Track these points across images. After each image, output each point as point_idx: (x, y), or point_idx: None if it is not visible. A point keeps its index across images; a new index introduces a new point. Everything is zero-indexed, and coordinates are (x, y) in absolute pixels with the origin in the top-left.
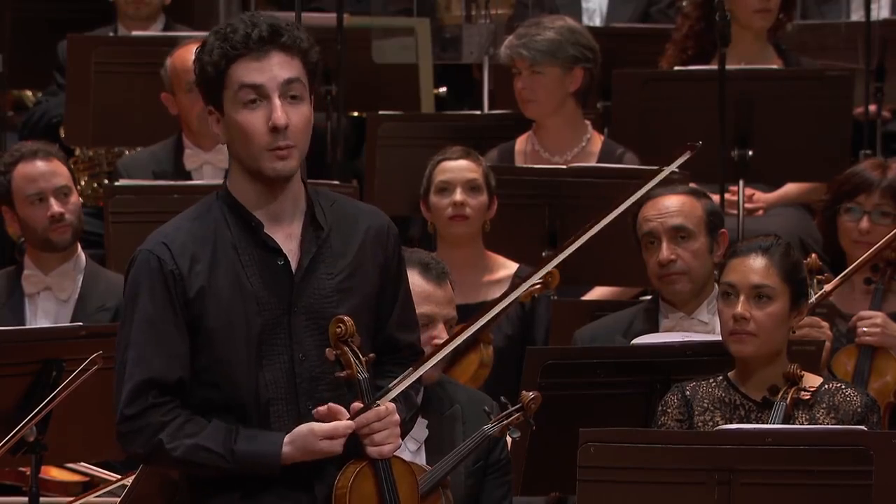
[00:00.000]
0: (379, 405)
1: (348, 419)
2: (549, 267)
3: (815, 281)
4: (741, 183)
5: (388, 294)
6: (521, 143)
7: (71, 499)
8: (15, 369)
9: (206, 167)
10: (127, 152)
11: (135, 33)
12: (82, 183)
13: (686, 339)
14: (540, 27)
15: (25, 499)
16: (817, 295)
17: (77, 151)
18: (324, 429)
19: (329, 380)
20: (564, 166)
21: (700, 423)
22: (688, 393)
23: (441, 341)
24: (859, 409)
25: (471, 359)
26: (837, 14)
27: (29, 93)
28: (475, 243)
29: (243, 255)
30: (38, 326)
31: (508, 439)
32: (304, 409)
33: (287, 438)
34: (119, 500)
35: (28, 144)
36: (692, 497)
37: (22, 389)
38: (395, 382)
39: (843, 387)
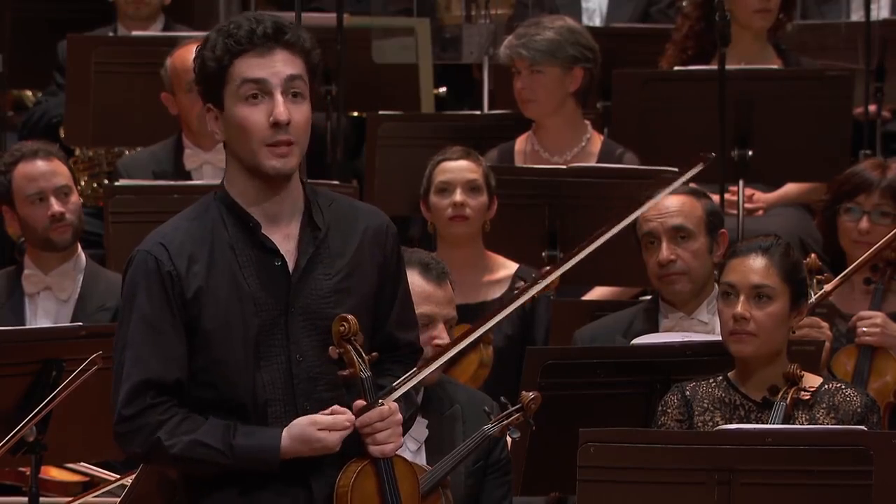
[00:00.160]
0: (383, 404)
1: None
2: (559, 273)
3: (814, 281)
4: (741, 183)
5: (387, 293)
6: (521, 143)
7: (71, 499)
8: (15, 369)
9: (206, 167)
10: (127, 152)
11: (135, 33)
12: (82, 183)
13: (686, 339)
14: (540, 27)
15: (25, 499)
16: (817, 295)
17: (77, 151)
18: (325, 420)
19: (327, 380)
20: (564, 166)
21: (700, 424)
22: (688, 393)
23: (441, 341)
24: (859, 409)
25: (471, 359)
26: (837, 14)
27: (29, 93)
28: (475, 243)
29: (241, 255)
30: (38, 326)
31: (508, 439)
32: (301, 409)
33: (286, 431)
34: (119, 499)
35: (28, 144)
36: (692, 497)
37: (22, 389)
38: (398, 382)
39: (843, 387)
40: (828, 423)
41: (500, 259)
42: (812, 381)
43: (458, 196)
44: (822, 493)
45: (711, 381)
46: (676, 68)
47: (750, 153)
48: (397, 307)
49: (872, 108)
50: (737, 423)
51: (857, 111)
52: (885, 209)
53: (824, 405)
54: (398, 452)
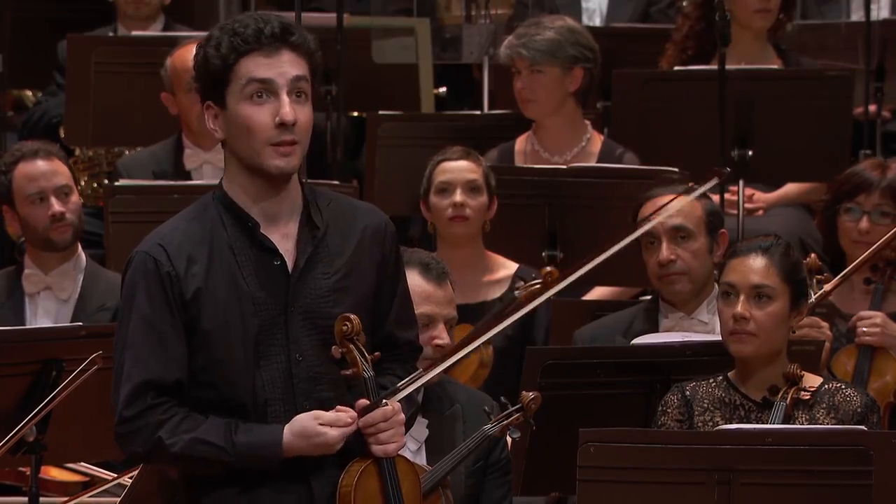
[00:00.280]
0: (386, 404)
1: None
2: (569, 280)
3: (814, 281)
4: (741, 183)
5: (386, 291)
6: (521, 143)
7: (71, 499)
8: (15, 369)
9: (206, 167)
10: (127, 152)
11: (135, 33)
12: (82, 183)
13: (686, 339)
14: (540, 27)
15: (25, 499)
16: (817, 295)
17: (77, 151)
18: (327, 416)
19: (327, 379)
20: (564, 166)
21: (700, 424)
22: (688, 393)
23: (441, 341)
24: (859, 409)
25: (471, 359)
26: (837, 14)
27: (29, 93)
28: (475, 243)
29: (240, 255)
30: (38, 326)
31: (508, 439)
32: (301, 408)
33: (287, 427)
34: (119, 499)
35: (29, 144)
36: (692, 497)
37: (22, 389)
38: (404, 383)
39: (843, 387)
40: (828, 423)
41: (500, 259)
42: (812, 381)
43: (458, 196)
44: (822, 493)
45: (711, 381)
46: (676, 68)
47: (750, 153)
48: (396, 306)
49: (872, 108)
50: (737, 423)
51: (857, 111)
52: (885, 209)
53: (824, 405)
54: (399, 452)
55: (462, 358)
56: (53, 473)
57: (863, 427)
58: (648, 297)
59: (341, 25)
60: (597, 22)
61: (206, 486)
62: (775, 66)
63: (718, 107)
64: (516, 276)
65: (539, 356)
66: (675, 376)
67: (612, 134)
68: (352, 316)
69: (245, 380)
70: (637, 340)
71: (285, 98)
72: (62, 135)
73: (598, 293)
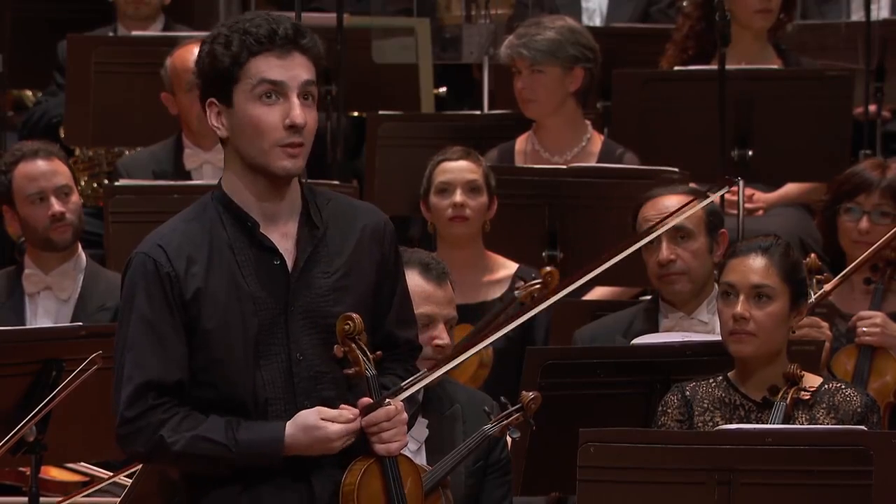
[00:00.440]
0: (389, 403)
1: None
2: (574, 286)
3: (814, 281)
4: (741, 183)
5: (386, 291)
6: (521, 143)
7: (71, 499)
8: (15, 369)
9: (206, 167)
10: (127, 152)
11: (135, 33)
12: (82, 183)
13: (686, 339)
14: (540, 27)
15: (25, 499)
16: (817, 295)
17: (77, 151)
18: (329, 412)
19: (328, 378)
20: (564, 166)
21: (700, 424)
22: (688, 393)
23: (441, 341)
24: (859, 409)
25: (471, 359)
26: (837, 14)
27: (29, 93)
28: (475, 243)
29: (239, 255)
30: (38, 326)
31: (508, 439)
32: (302, 408)
33: (290, 421)
34: (119, 500)
35: (29, 144)
36: (692, 497)
37: (22, 389)
38: (407, 382)
39: (843, 387)
40: (828, 423)
41: (500, 259)
42: (812, 381)
43: (458, 196)
44: (822, 493)
45: (711, 381)
46: (676, 68)
47: (750, 153)
48: (396, 305)
49: (872, 108)
50: (737, 423)
51: (857, 111)
52: (885, 209)
53: (824, 405)
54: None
55: (453, 353)
56: (53, 473)
57: (863, 427)
58: (648, 297)
59: (341, 25)
60: (597, 22)
61: (207, 485)
62: (775, 66)
63: (718, 107)
64: (516, 276)
65: (539, 356)
66: (675, 376)
67: (612, 134)
68: (354, 315)
69: (245, 379)
70: (637, 340)
71: (296, 101)
72: (62, 135)
73: (598, 293)
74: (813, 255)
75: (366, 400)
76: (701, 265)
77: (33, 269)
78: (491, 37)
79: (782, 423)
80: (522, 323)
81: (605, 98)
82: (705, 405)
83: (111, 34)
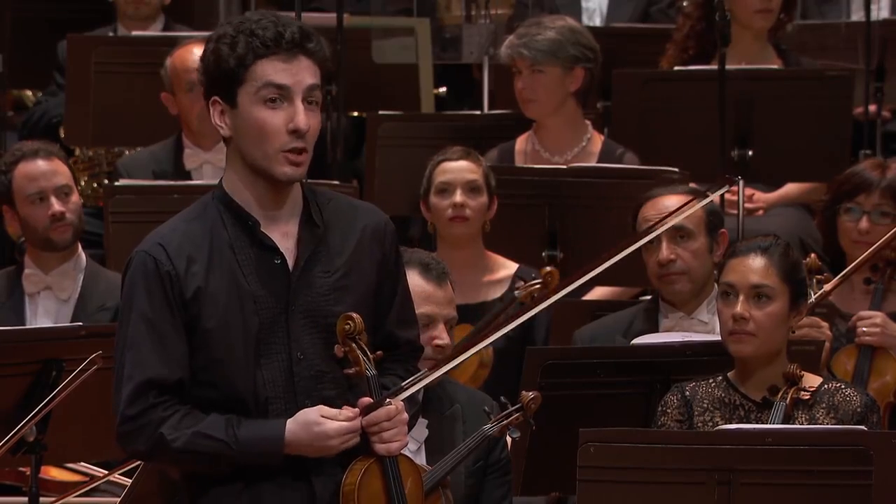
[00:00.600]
0: (390, 403)
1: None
2: (574, 285)
3: (814, 281)
4: (741, 183)
5: (386, 291)
6: (521, 142)
7: (71, 499)
8: (15, 369)
9: (206, 167)
10: (127, 152)
11: (135, 33)
12: (82, 183)
13: (686, 339)
14: (540, 27)
15: (25, 499)
16: (817, 295)
17: (77, 151)
18: (330, 410)
19: (329, 377)
20: (564, 166)
21: (700, 424)
22: (688, 393)
23: (441, 342)
24: (859, 409)
25: (471, 359)
26: (837, 14)
27: (29, 93)
28: (475, 243)
29: (240, 254)
30: (38, 326)
31: (508, 439)
32: (303, 407)
33: (291, 419)
34: (119, 500)
35: (29, 144)
36: (692, 497)
37: (22, 389)
38: (408, 382)
39: (843, 387)
40: (828, 423)
41: (500, 259)
42: (812, 381)
43: (458, 196)
44: (822, 493)
45: (711, 381)
46: (676, 68)
47: (750, 153)
48: (397, 305)
49: (872, 108)
50: (737, 423)
51: (857, 111)
52: (885, 209)
53: (824, 405)
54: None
55: (453, 353)
56: (53, 473)
57: (863, 427)
58: (648, 297)
59: (341, 25)
60: (597, 22)
61: (208, 484)
62: (775, 66)
63: (718, 107)
64: (516, 276)
65: (539, 356)
66: (675, 376)
67: (612, 134)
68: (354, 315)
69: (246, 378)
70: (637, 340)
71: (300, 105)
72: (62, 135)
73: (598, 293)
74: (813, 255)
75: (366, 399)
76: (701, 265)
77: (33, 269)
78: (491, 37)
79: (782, 423)
80: (522, 323)
81: (606, 98)
82: (705, 405)
83: (111, 34)
